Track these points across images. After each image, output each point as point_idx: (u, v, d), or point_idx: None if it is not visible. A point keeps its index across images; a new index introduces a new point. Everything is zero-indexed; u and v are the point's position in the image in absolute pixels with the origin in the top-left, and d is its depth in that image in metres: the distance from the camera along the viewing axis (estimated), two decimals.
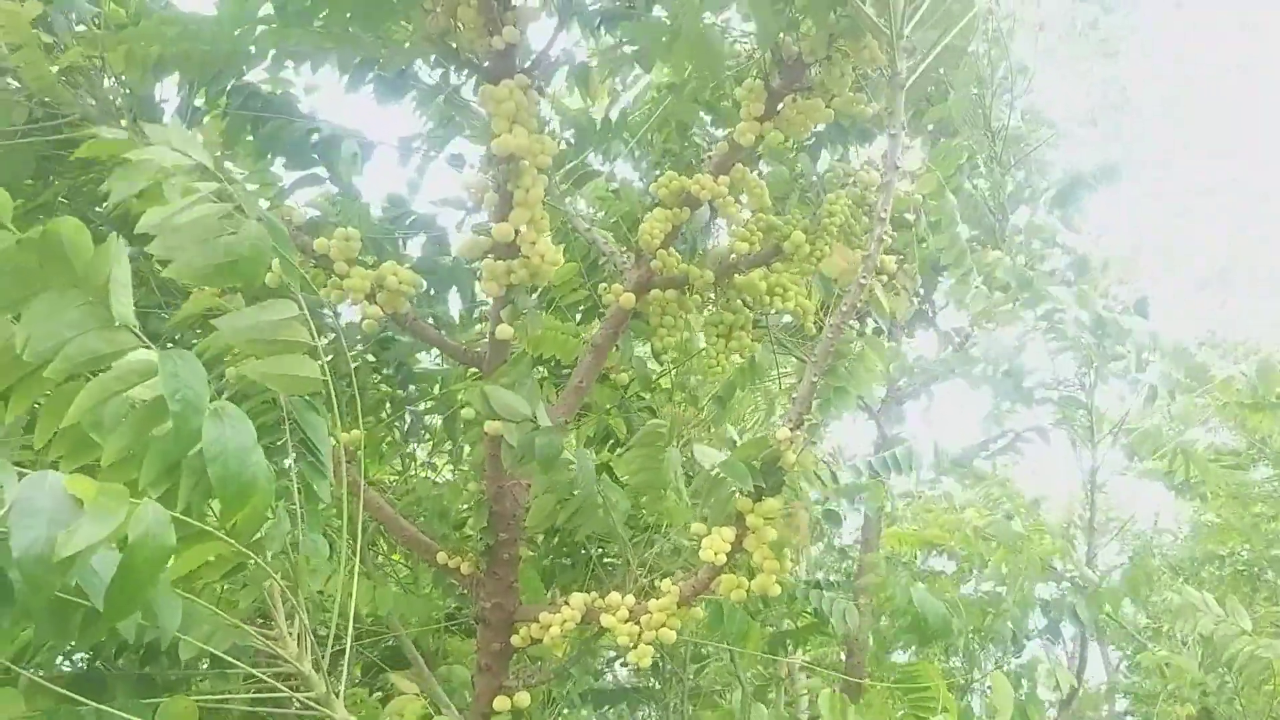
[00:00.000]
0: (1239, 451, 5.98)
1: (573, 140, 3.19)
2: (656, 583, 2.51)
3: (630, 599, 2.51)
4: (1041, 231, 4.41)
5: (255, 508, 1.28)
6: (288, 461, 1.62)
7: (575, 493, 2.30)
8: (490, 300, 2.57)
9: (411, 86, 2.92)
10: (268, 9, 2.23)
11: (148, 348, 1.26)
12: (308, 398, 1.60)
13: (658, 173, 2.91)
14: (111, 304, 1.23)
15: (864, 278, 2.11)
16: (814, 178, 2.97)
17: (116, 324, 1.24)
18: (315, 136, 2.76)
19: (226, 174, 1.46)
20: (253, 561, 1.45)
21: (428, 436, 3.52)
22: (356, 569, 1.61)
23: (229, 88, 2.55)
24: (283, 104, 2.78)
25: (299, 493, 1.57)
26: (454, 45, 2.32)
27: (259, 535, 1.43)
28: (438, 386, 3.38)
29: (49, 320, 1.20)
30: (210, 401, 1.24)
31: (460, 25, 2.27)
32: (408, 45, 2.28)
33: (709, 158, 2.85)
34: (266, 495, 1.27)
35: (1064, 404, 4.65)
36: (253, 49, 2.20)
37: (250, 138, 2.76)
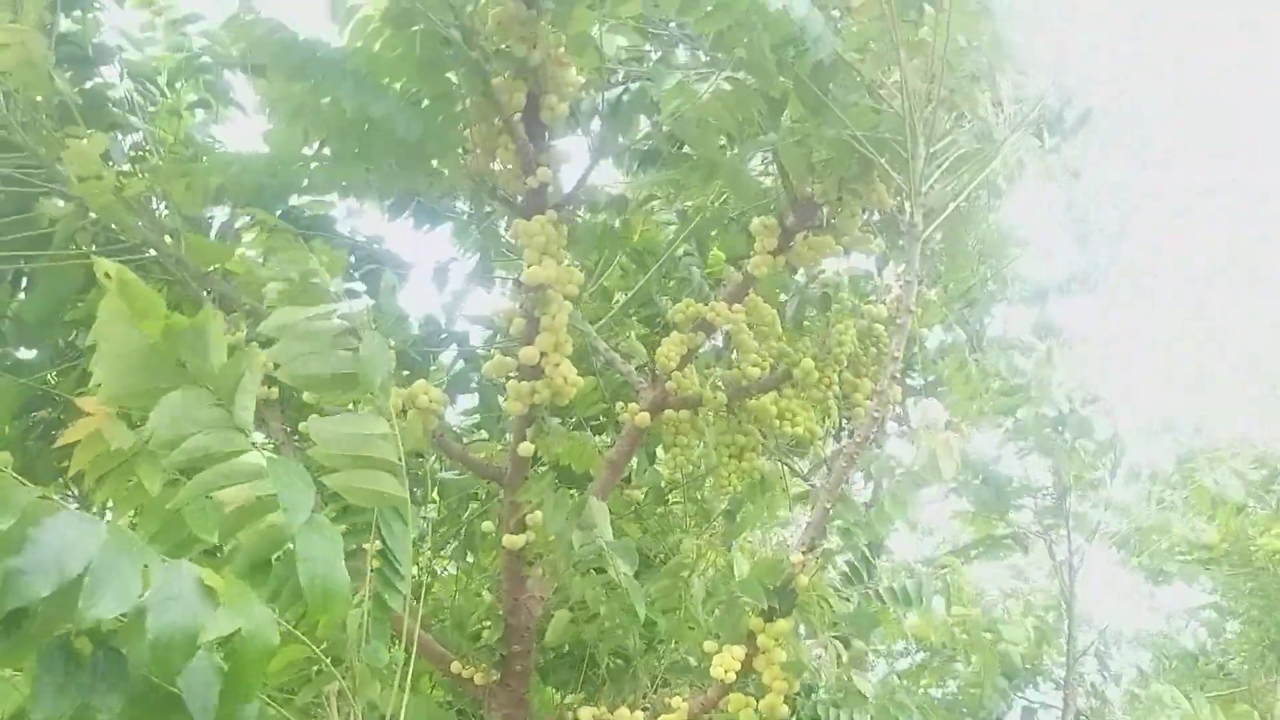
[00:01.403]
0: (1211, 545, 6.01)
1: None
2: (665, 698, 2.57)
3: (640, 716, 2.56)
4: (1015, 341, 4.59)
5: (336, 614, 1.36)
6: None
7: (606, 611, 2.37)
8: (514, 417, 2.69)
9: (448, 216, 3.11)
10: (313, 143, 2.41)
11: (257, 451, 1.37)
12: (400, 509, 1.69)
13: None
14: (235, 408, 1.33)
15: (876, 412, 2.24)
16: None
17: (236, 426, 1.34)
18: (353, 257, 2.92)
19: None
20: (322, 666, 1.53)
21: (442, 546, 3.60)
22: (409, 680, 1.68)
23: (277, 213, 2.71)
24: (323, 223, 2.95)
25: (369, 600, 1.65)
26: (490, 184, 2.48)
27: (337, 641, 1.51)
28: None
29: (179, 416, 1.29)
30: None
31: (497, 165, 2.44)
32: (446, 182, 2.44)
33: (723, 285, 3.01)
34: (347, 603, 1.36)
35: (1041, 513, 4.76)
36: (305, 182, 2.35)
37: None
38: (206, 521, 1.50)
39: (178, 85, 2.95)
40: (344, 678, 1.57)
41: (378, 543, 1.74)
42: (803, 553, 2.29)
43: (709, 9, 2.20)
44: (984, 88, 2.61)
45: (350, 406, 1.79)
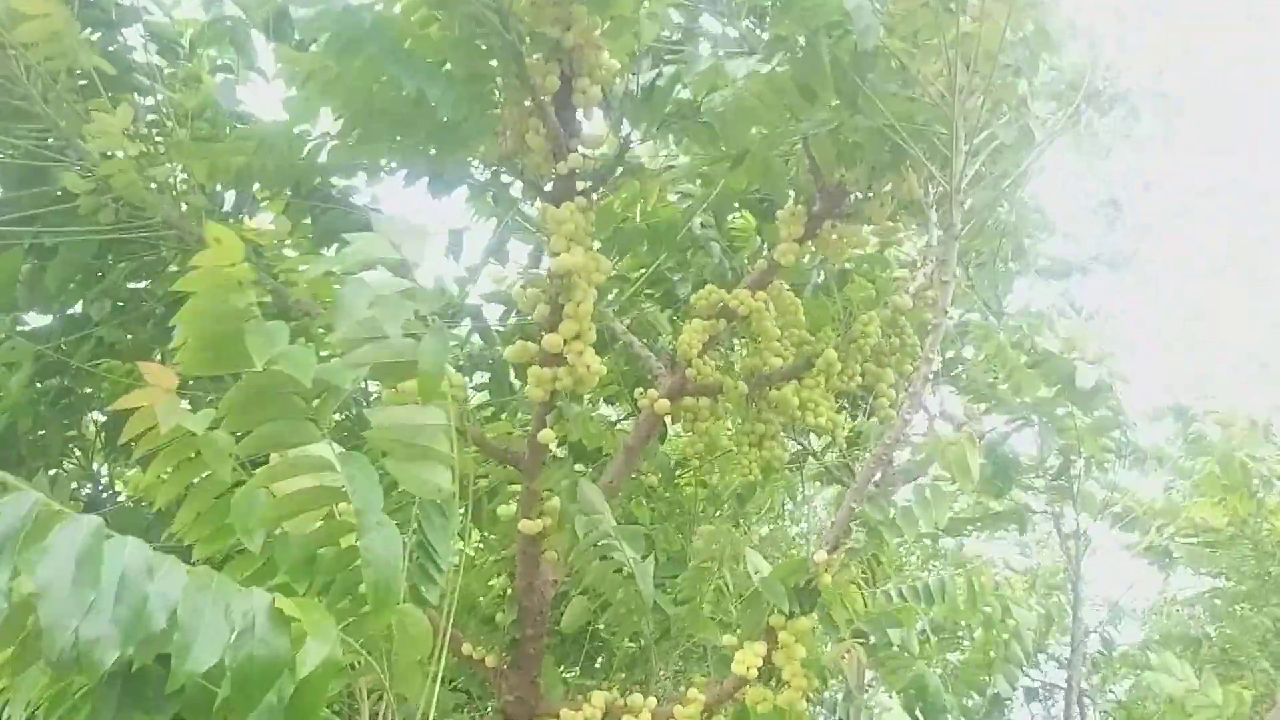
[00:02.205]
0: (1218, 529, 6.04)
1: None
2: (682, 685, 2.58)
3: (653, 701, 2.57)
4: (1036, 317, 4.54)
5: (391, 615, 1.36)
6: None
7: (620, 597, 2.37)
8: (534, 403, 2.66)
9: (463, 182, 3.03)
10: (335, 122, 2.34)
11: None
12: (440, 502, 1.68)
13: None
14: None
15: (908, 414, 2.21)
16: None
17: (310, 417, 1.40)
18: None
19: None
20: (359, 661, 1.52)
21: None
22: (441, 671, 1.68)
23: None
24: (342, 194, 2.90)
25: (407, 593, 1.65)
26: (520, 167, 2.42)
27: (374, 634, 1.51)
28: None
29: (272, 437, 1.36)
30: None
31: (528, 149, 2.38)
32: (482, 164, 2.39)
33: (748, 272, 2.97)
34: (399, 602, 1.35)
35: (1051, 490, 4.75)
36: (322, 160, 2.30)
37: (310, 226, 2.88)
38: (250, 518, 1.48)
39: (200, 50, 2.87)
40: (383, 673, 1.57)
41: (415, 535, 1.74)
42: (827, 552, 2.28)
43: None
44: (1025, 78, 2.56)
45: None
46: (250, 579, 1.59)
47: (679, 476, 3.55)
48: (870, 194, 2.76)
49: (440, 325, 1.62)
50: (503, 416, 3.43)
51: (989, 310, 4.38)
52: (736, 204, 3.42)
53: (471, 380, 3.27)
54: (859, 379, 2.85)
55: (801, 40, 2.18)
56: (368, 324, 1.45)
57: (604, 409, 3.87)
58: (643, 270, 3.46)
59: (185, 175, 2.37)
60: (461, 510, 3.49)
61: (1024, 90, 2.61)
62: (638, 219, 3.41)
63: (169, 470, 1.52)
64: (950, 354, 4.45)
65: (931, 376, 2.29)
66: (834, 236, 2.82)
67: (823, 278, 3.23)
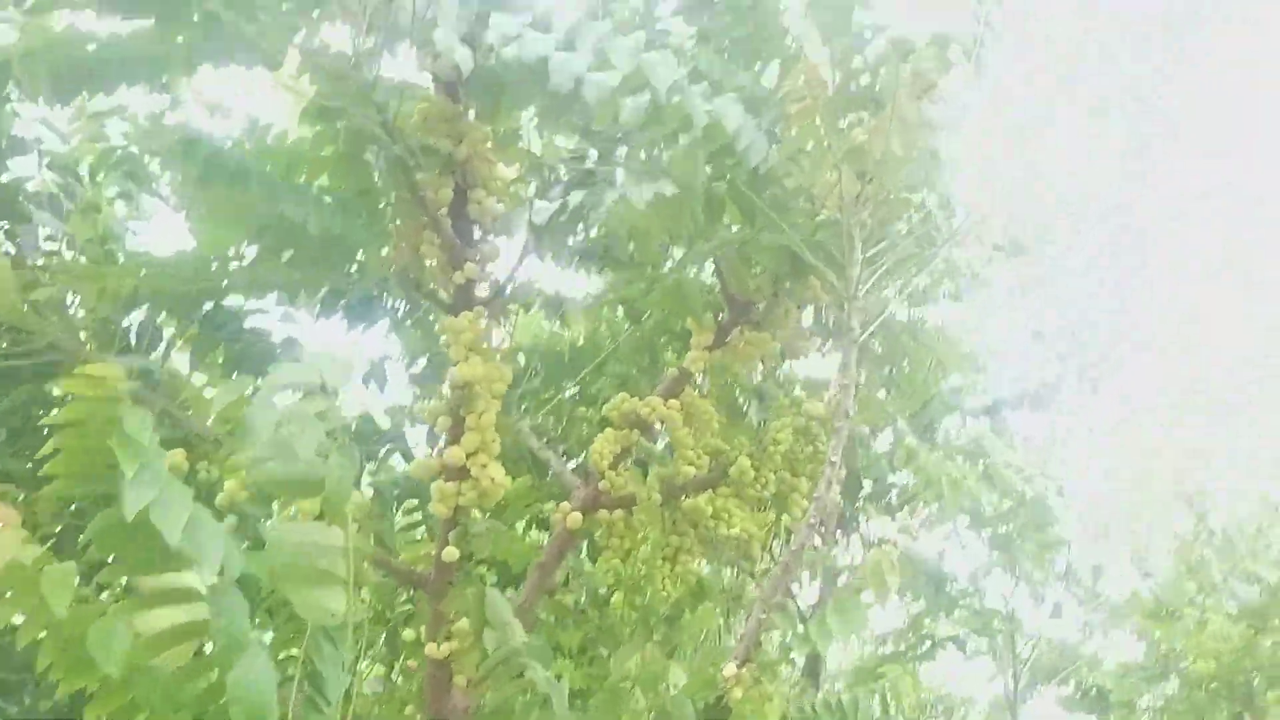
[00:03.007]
0: (1147, 666, 5.94)
1: (540, 367, 3.30)
2: None
3: None
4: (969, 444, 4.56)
5: None
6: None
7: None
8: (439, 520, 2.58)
9: (382, 313, 3.04)
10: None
11: None
12: (332, 630, 1.61)
13: None
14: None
15: (814, 519, 2.18)
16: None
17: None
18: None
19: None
20: None
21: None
22: None
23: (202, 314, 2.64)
24: (254, 326, 2.87)
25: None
26: (417, 279, 2.42)
27: None
28: None
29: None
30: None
31: (424, 260, 2.38)
32: (368, 277, 2.39)
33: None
34: None
35: (983, 614, 4.68)
36: (225, 283, 2.28)
37: (220, 358, 2.84)
38: (110, 649, 1.40)
39: (100, 178, 2.88)
40: None
41: (306, 665, 1.66)
42: (737, 665, 2.20)
43: (643, 118, 2.19)
44: (921, 194, 2.63)
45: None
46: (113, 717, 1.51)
47: (609, 599, 3.44)
48: (775, 303, 2.78)
49: (350, 446, 1.58)
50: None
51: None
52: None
53: (400, 505, 3.20)
54: (773, 487, 2.81)
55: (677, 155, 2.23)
56: (276, 443, 1.41)
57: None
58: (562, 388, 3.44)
59: (75, 300, 2.34)
60: (380, 637, 3.38)
61: (922, 200, 2.69)
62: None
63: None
64: (890, 479, 4.45)
65: (838, 481, 2.26)
66: (743, 344, 2.83)
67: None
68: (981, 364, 4.07)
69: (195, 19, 1.75)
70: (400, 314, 3.08)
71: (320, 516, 1.80)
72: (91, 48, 1.88)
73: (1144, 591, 5.00)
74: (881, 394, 4.07)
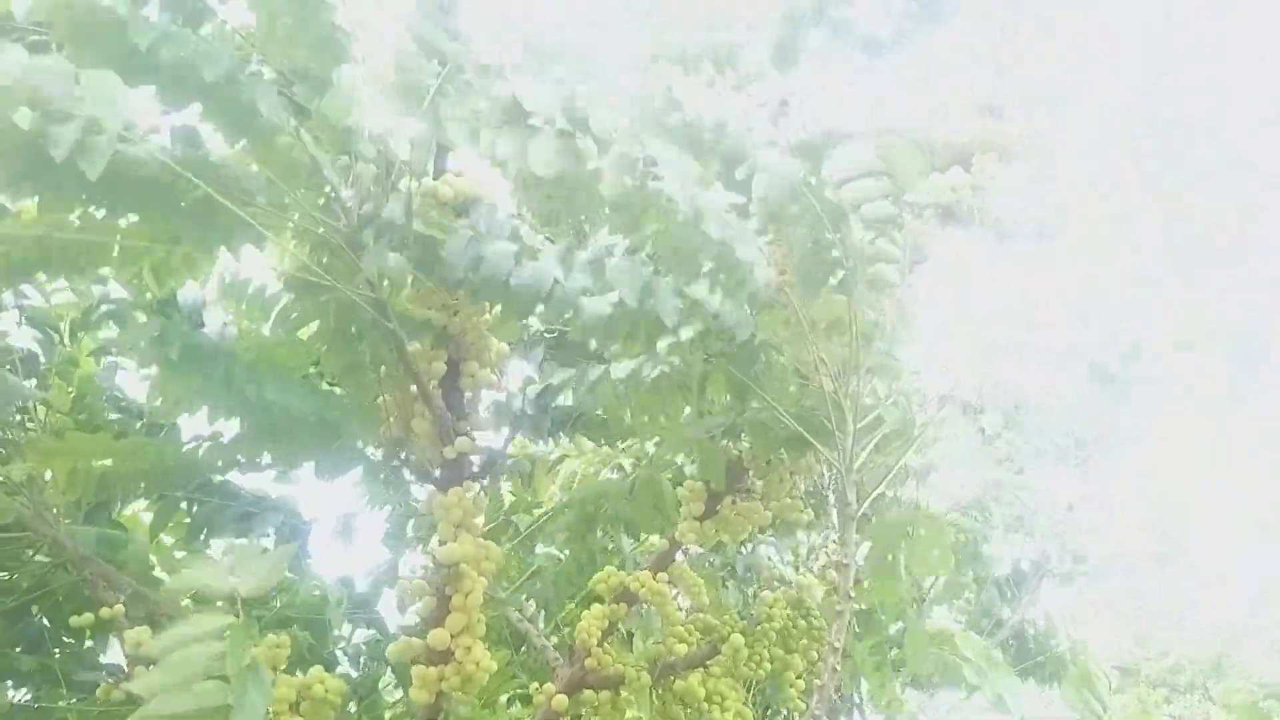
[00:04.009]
0: None
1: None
2: None
3: None
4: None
5: None
6: None
7: None
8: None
9: (354, 464, 2.95)
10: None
11: None
12: None
13: None
14: None
15: (818, 709, 2.08)
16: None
17: None
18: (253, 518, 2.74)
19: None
20: None
21: None
22: None
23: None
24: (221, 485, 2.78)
25: None
26: (405, 453, 2.36)
27: None
28: None
29: None
30: None
31: (414, 434, 2.33)
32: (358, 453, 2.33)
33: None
34: None
35: None
36: (202, 461, 2.21)
37: (186, 519, 2.74)
38: None
39: (81, 335, 2.82)
40: None
41: None
42: None
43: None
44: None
45: None
46: None
47: None
48: (768, 472, 2.74)
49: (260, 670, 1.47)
50: None
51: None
52: None
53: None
54: (767, 665, 2.70)
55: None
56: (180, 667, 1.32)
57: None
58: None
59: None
60: None
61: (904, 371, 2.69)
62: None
63: None
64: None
65: (838, 668, 2.17)
66: (734, 514, 2.77)
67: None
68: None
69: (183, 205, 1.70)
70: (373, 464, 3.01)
71: None
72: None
73: None
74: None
